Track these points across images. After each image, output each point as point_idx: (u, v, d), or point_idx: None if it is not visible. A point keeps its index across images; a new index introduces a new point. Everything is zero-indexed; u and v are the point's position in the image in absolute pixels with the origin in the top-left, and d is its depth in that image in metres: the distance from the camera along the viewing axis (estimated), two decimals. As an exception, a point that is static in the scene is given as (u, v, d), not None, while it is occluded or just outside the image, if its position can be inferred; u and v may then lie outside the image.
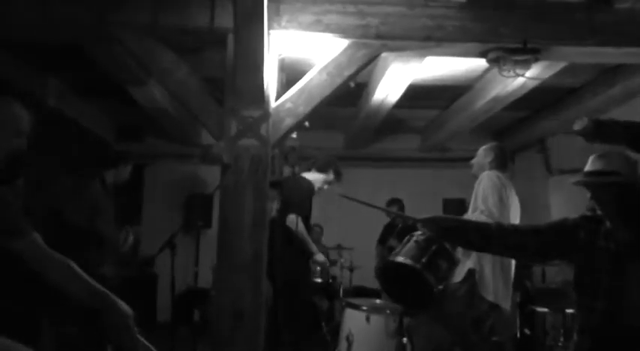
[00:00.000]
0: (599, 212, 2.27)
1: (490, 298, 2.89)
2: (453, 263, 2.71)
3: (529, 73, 3.97)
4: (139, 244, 3.91)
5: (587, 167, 2.32)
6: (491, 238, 2.32)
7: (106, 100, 5.82)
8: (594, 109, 5.29)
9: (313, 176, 4.13)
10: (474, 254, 2.98)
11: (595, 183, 2.25)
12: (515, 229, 2.48)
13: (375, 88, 4.78)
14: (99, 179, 3.42)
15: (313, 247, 4.24)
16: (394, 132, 7.32)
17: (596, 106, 5.20)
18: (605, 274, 2.18)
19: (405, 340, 4.31)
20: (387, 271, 2.69)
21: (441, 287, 2.59)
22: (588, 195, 2.30)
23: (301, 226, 3.97)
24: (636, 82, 4.55)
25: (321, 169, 4.16)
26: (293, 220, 3.89)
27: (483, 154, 3.48)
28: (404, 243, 2.69)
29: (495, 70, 4.40)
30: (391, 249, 6.09)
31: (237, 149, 3.16)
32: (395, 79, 4.49)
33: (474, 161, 3.49)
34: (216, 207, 4.03)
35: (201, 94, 3.27)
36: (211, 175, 5.51)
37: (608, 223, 2.22)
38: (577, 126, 2.40)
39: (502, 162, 3.41)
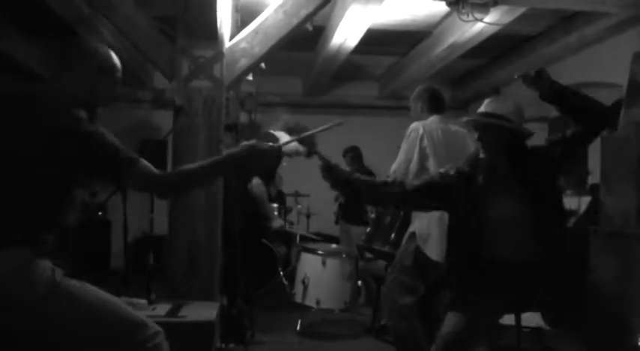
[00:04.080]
0: (481, 156, 2.38)
1: (434, 257, 2.92)
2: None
3: (488, 19, 3.95)
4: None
5: (480, 108, 2.39)
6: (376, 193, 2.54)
7: (53, 41, 5.51)
8: (550, 57, 5.36)
9: (290, 143, 4.06)
10: (418, 218, 3.01)
11: (483, 123, 2.34)
12: (391, 184, 2.58)
13: (334, 31, 4.68)
14: None
15: (271, 213, 4.26)
16: (352, 79, 7.28)
17: (551, 53, 5.25)
18: (472, 219, 2.35)
19: (359, 282, 4.42)
20: None
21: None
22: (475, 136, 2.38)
23: (262, 190, 3.98)
24: (592, 30, 4.59)
25: (301, 142, 4.08)
26: (257, 182, 3.83)
27: (414, 104, 3.23)
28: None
29: (454, 16, 4.37)
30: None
31: (190, 91, 3.06)
32: (354, 22, 4.40)
33: (411, 114, 3.25)
34: (170, 153, 3.92)
35: (150, 31, 3.11)
36: (165, 120, 5.35)
37: (480, 178, 2.36)
38: (529, 78, 2.38)
39: (435, 104, 3.15)
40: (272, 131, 4.13)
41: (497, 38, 4.82)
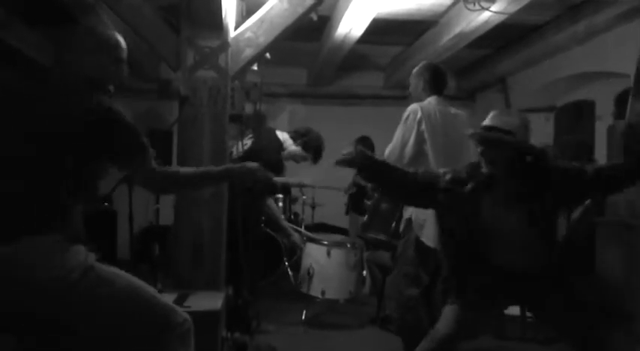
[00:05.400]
0: (482, 169, 2.35)
1: (431, 244, 2.90)
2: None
3: (494, 7, 3.92)
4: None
5: (485, 121, 2.35)
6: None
7: (56, 30, 5.50)
8: (557, 47, 5.31)
9: (295, 148, 4.02)
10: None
11: (487, 138, 2.30)
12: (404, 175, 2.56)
13: (339, 21, 4.65)
14: None
15: (288, 229, 4.23)
16: (358, 69, 7.25)
17: (558, 43, 5.20)
18: (464, 226, 2.34)
19: (364, 272, 4.43)
20: None
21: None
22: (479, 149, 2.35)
23: (273, 206, 4.00)
24: (600, 19, 4.54)
25: (306, 148, 4.02)
26: (271, 204, 3.89)
27: (415, 82, 3.14)
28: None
29: (460, 5, 4.35)
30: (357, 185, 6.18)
31: (195, 81, 3.05)
32: (359, 12, 4.37)
33: (410, 90, 3.18)
34: (176, 143, 3.93)
35: (155, 21, 3.10)
36: (171, 111, 5.37)
37: (476, 188, 2.32)
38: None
39: (436, 85, 3.09)
40: (277, 132, 4.11)
41: (504, 27, 4.77)
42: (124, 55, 1.92)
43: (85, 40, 1.84)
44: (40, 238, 1.61)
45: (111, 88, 1.88)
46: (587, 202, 4.33)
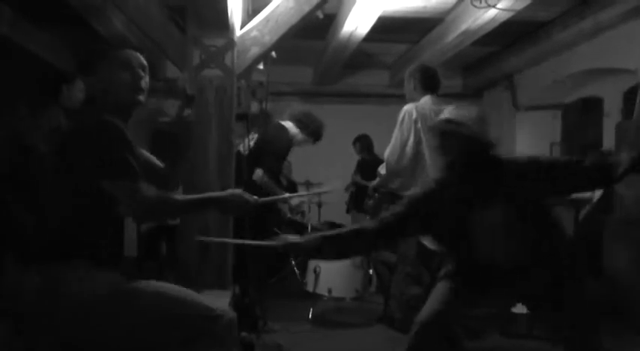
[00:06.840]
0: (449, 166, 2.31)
1: (433, 246, 2.90)
2: None
3: (501, 4, 3.90)
4: None
5: (443, 114, 2.34)
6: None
7: (63, 29, 5.52)
8: (563, 44, 5.28)
9: (297, 133, 4.03)
10: None
11: (441, 130, 2.28)
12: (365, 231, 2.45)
13: (345, 19, 4.64)
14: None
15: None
16: (363, 67, 7.24)
17: (565, 40, 5.18)
18: (454, 228, 2.29)
19: (371, 271, 4.42)
20: None
21: None
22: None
23: (267, 180, 3.99)
24: (607, 16, 4.51)
25: (310, 134, 4.02)
26: (259, 174, 3.86)
27: (406, 83, 3.18)
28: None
29: (467, 3, 4.34)
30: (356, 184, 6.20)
31: (201, 80, 3.06)
32: (365, 10, 4.36)
33: (405, 93, 3.20)
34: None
35: (162, 20, 3.12)
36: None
37: (452, 189, 2.28)
38: None
39: (427, 83, 3.11)
40: (281, 122, 4.12)
41: (511, 25, 4.75)
42: (144, 75, 1.96)
43: (107, 59, 1.87)
44: (68, 264, 1.66)
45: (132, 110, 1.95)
46: (594, 198, 4.31)
